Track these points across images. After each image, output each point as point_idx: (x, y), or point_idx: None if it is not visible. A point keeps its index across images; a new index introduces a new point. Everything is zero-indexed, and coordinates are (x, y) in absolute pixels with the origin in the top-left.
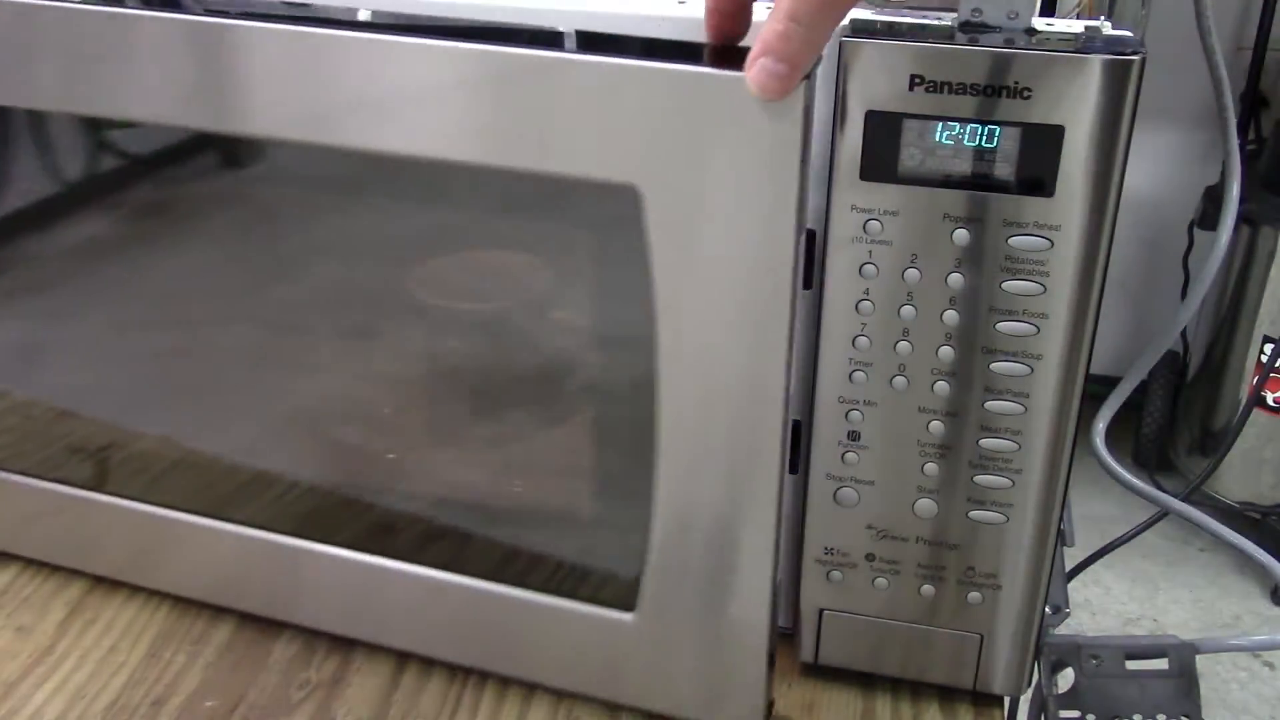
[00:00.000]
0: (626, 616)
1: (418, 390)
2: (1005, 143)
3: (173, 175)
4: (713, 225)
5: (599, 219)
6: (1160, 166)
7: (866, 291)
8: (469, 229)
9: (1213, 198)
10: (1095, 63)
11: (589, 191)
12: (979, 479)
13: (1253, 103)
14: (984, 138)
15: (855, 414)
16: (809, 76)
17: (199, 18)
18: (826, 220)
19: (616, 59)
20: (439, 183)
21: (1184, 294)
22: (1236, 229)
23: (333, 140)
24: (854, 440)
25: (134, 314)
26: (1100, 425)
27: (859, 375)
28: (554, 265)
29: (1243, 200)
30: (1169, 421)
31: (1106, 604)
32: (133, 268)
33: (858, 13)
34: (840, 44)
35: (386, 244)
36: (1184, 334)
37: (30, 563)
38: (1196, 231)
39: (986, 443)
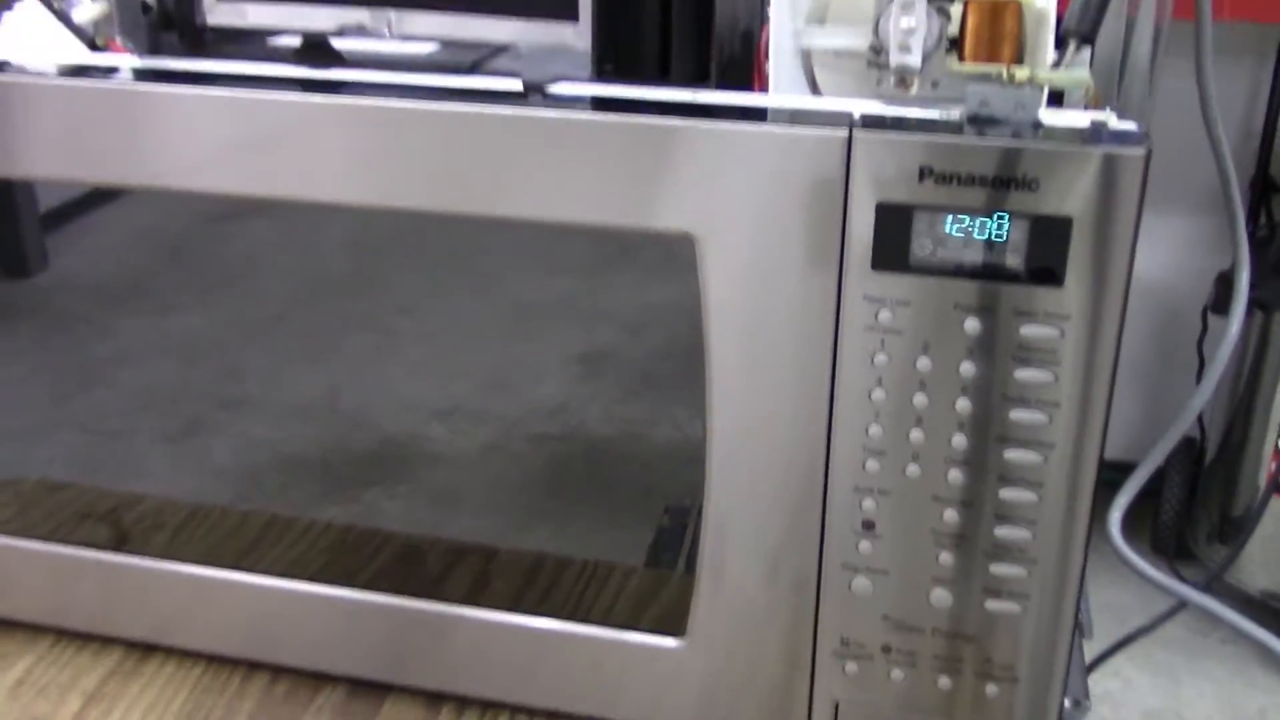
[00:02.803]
0: (675, 643)
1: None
2: (1015, 234)
3: None
4: (762, 271)
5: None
6: (1172, 252)
7: (879, 380)
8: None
9: (1225, 283)
10: (1101, 156)
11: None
12: (994, 569)
13: (1262, 188)
14: (993, 229)
15: (869, 502)
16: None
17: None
18: (838, 310)
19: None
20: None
21: (1199, 379)
22: (1249, 315)
23: (447, 208)
24: (868, 529)
25: None
26: (1116, 514)
27: (872, 463)
28: (606, 320)
29: (1254, 286)
30: (1187, 509)
31: (1128, 697)
32: None
33: (866, 106)
34: (850, 137)
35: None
36: (1200, 420)
37: (52, 644)
38: (1210, 316)
39: (1001, 532)
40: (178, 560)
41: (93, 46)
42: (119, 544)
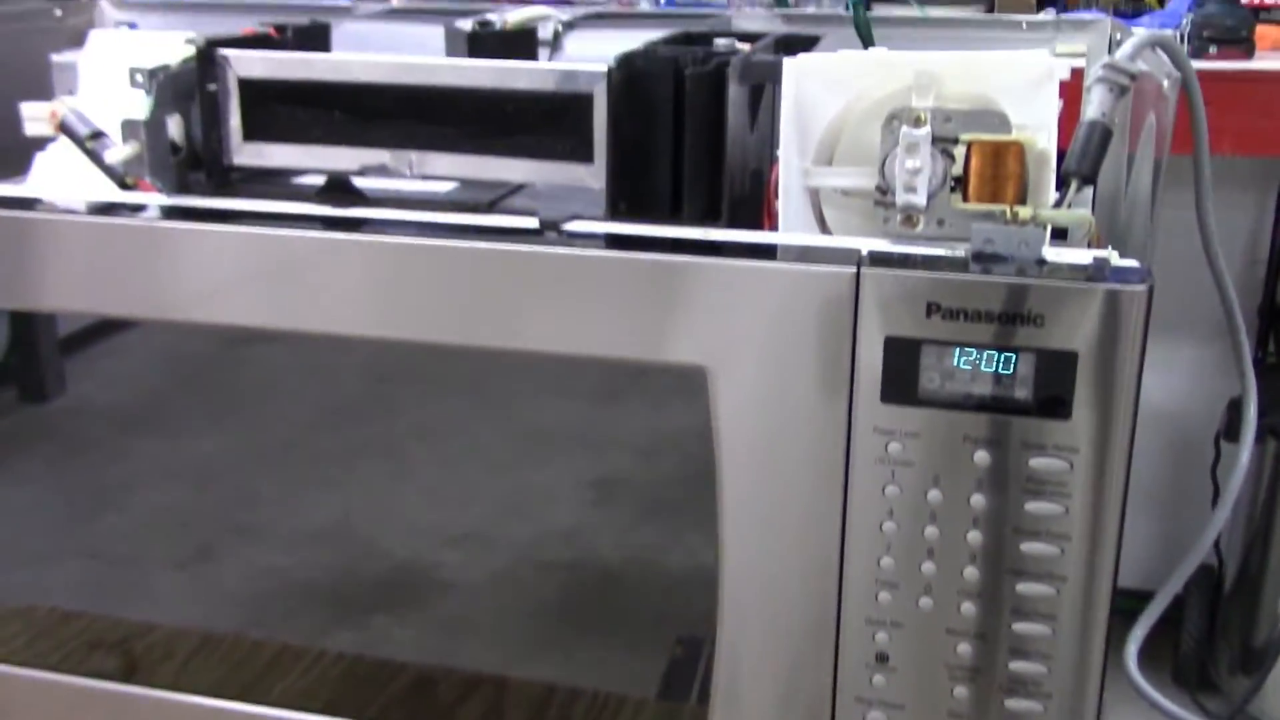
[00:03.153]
0: None
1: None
2: (1022, 367)
3: None
4: (774, 403)
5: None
6: (1183, 379)
7: (890, 511)
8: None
9: (1237, 409)
10: (1104, 293)
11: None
12: (1010, 703)
13: (1270, 315)
14: (1000, 363)
15: (882, 635)
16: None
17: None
18: (848, 443)
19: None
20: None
21: (1214, 506)
22: (1261, 441)
23: (467, 341)
24: (882, 662)
25: None
26: (1132, 647)
27: (885, 595)
28: (618, 446)
29: (1264, 414)
30: (1208, 638)
31: None
32: None
33: (874, 243)
34: (858, 273)
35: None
36: (1218, 547)
37: None
38: (1224, 443)
39: (1016, 666)
40: (188, 691)
41: (123, 186)
42: (129, 674)
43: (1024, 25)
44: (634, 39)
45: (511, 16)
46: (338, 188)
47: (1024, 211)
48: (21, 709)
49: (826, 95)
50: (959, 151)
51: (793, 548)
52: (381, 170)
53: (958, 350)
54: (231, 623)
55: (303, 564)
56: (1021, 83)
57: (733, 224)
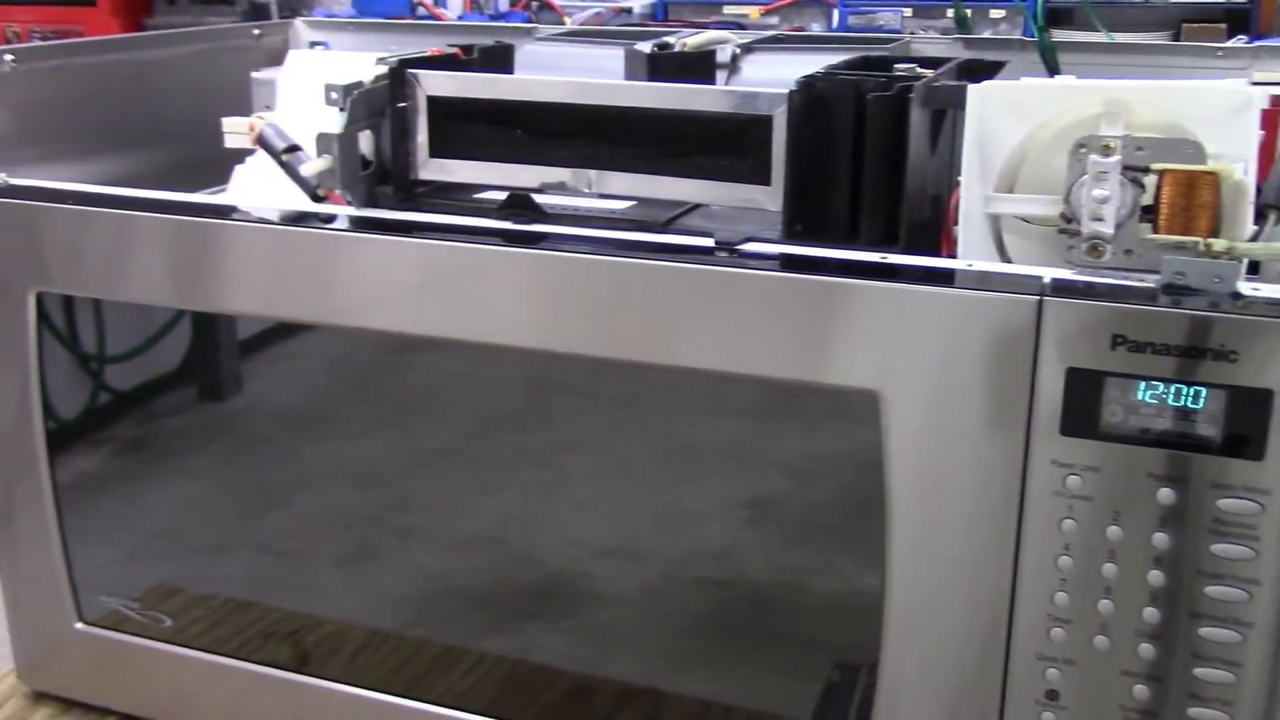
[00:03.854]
0: None
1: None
2: (1211, 404)
3: (153, 410)
4: (947, 430)
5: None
6: None
7: (1066, 546)
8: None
9: None
10: None
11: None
12: None
13: None
14: (1189, 398)
15: (1053, 672)
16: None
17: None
18: (1025, 474)
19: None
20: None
21: None
22: None
23: (634, 358)
24: (1052, 699)
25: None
26: None
27: (1058, 631)
28: (772, 467)
29: None
30: None
31: None
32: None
33: (1056, 272)
34: (1040, 302)
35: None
36: None
37: None
38: None
39: (1195, 711)
40: (355, 684)
41: (315, 198)
42: (300, 664)
43: (1219, 52)
44: (811, 63)
45: (691, 40)
46: (518, 204)
47: (1219, 244)
48: (203, 691)
49: (1010, 121)
50: (1149, 181)
51: (962, 578)
52: (561, 188)
53: (1143, 384)
54: (389, 622)
55: (458, 568)
56: (1218, 112)
57: (910, 249)
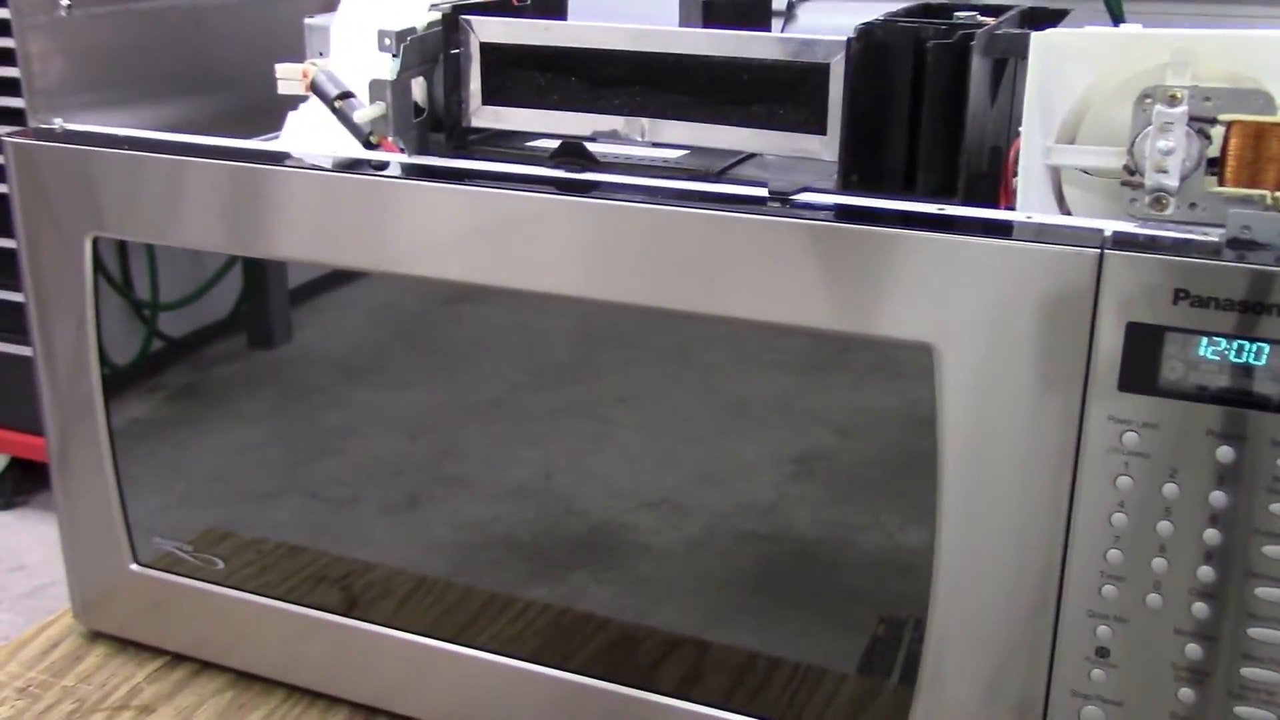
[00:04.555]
0: None
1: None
2: (1273, 361)
3: (205, 357)
4: (1002, 384)
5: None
6: None
7: (1121, 503)
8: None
9: None
10: None
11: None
12: (1239, 710)
13: None
14: (1251, 355)
15: (1104, 629)
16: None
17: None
18: (1080, 430)
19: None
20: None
21: None
22: None
23: (684, 307)
24: (1102, 656)
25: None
26: None
27: (1109, 588)
28: (820, 422)
29: None
30: None
31: None
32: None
33: (1118, 225)
34: (1101, 255)
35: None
36: None
37: (284, 699)
38: None
39: (1248, 672)
40: (403, 629)
41: (367, 145)
42: (349, 608)
43: None
44: (869, 10)
45: None
46: (571, 152)
47: None
48: (254, 632)
49: (1074, 71)
50: (1216, 133)
51: (1013, 534)
52: (614, 136)
53: (1205, 340)
54: (436, 569)
55: (504, 518)
56: None
57: (968, 200)
